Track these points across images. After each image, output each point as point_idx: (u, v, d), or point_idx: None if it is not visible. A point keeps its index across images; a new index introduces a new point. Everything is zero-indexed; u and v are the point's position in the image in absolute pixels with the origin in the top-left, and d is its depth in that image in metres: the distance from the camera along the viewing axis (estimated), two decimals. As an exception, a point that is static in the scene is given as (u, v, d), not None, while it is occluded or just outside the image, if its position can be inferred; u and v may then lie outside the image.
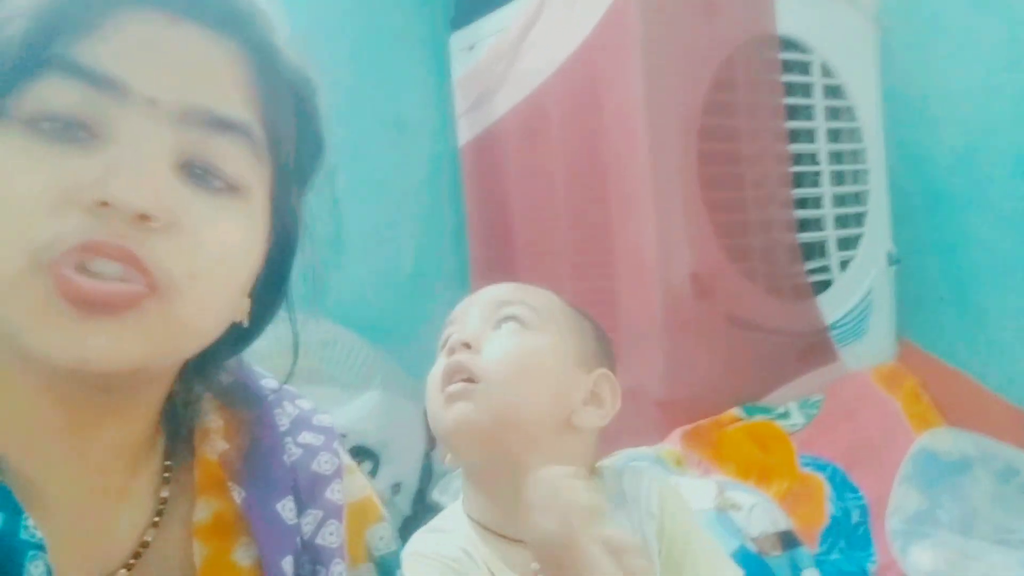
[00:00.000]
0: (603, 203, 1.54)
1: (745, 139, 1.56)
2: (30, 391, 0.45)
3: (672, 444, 1.38)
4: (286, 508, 0.55)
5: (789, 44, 1.65)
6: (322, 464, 0.58)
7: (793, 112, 1.68)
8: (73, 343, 0.42)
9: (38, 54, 0.42)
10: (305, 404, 0.62)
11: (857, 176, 1.82)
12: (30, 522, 0.44)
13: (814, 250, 1.72)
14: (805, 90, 1.70)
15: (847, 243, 1.78)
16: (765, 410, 1.55)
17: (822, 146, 1.72)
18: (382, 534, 0.62)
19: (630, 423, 1.47)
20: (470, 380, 0.76)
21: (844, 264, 1.76)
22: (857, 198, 1.81)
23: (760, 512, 1.12)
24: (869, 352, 1.80)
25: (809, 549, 1.16)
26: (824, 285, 1.71)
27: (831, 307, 1.71)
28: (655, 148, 1.46)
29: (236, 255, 0.49)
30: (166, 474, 0.55)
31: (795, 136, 1.67)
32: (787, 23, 1.62)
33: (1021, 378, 1.71)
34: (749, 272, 1.56)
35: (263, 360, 0.61)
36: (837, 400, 1.63)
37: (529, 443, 0.77)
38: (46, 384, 0.45)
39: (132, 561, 0.51)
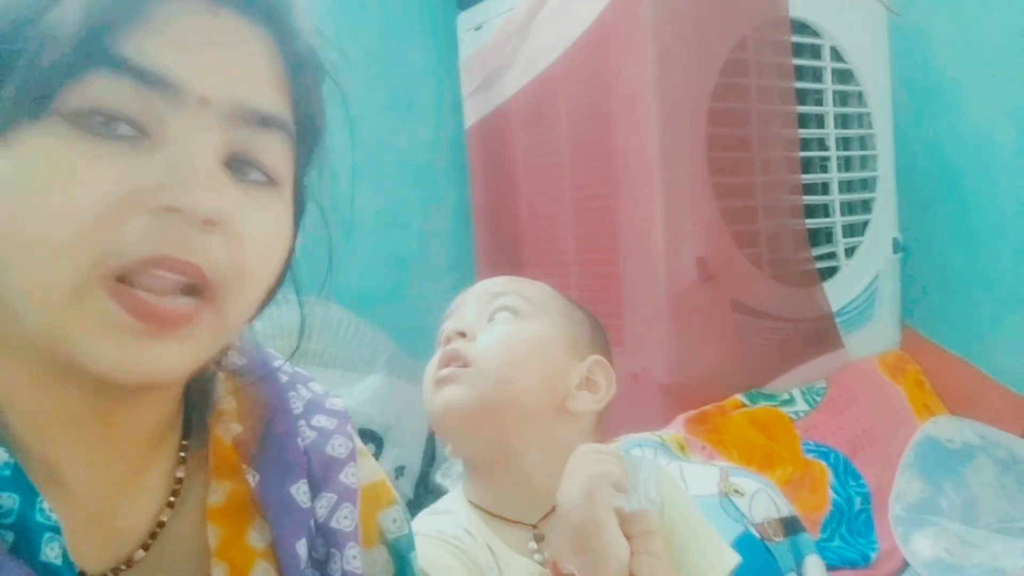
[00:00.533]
0: (610, 186, 1.54)
1: (755, 123, 1.55)
2: (56, 381, 0.45)
3: (676, 429, 1.38)
4: (300, 491, 0.55)
5: (801, 27, 1.63)
6: (336, 447, 0.58)
7: (802, 96, 1.66)
8: (135, 360, 0.42)
9: (89, 49, 0.40)
10: (318, 388, 0.62)
11: (865, 162, 1.81)
12: (45, 504, 0.44)
13: (821, 236, 1.71)
14: (816, 74, 1.68)
15: (854, 230, 1.78)
16: (769, 396, 1.54)
17: (831, 131, 1.70)
18: (395, 517, 0.62)
19: (634, 408, 1.48)
20: (463, 365, 0.79)
21: (850, 251, 1.75)
22: (865, 184, 1.80)
23: (763, 498, 1.12)
24: (874, 339, 1.79)
25: (811, 535, 1.16)
26: (830, 271, 1.71)
27: (837, 294, 1.70)
28: (664, 132, 1.45)
29: (276, 247, 0.49)
30: (182, 454, 0.55)
31: (804, 121, 1.66)
32: (799, 6, 1.60)
33: (1024, 367, 1.71)
34: (755, 258, 1.56)
35: (267, 342, 0.61)
36: (841, 387, 1.63)
37: (521, 426, 0.79)
38: (75, 377, 0.44)
39: (149, 541, 0.51)
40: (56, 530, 0.44)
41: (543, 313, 0.83)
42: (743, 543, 1.05)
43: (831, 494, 1.42)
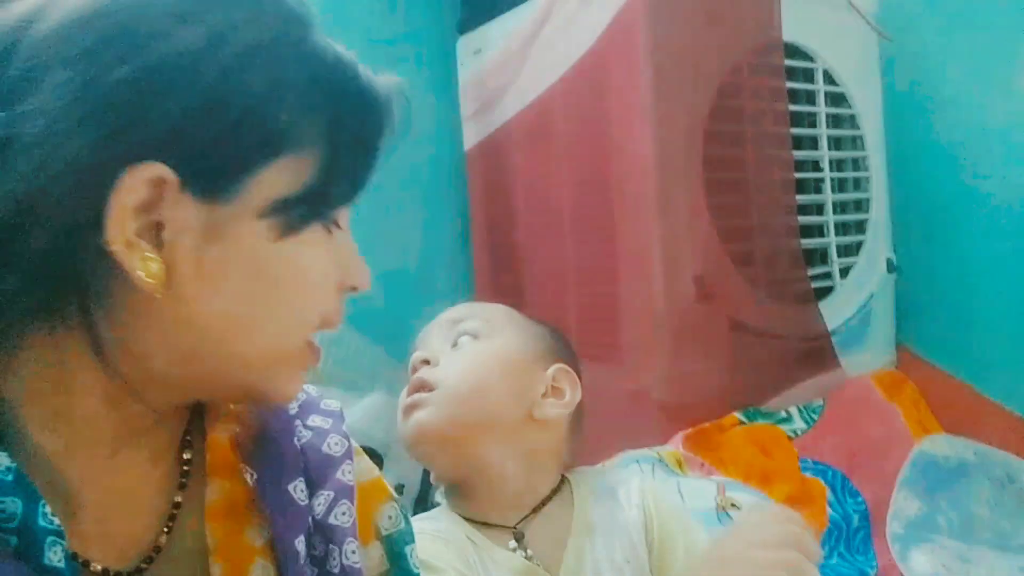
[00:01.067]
0: (608, 207, 1.56)
1: (750, 145, 1.57)
2: (112, 406, 0.49)
3: (674, 446, 1.39)
4: (297, 489, 0.56)
5: (794, 51, 1.66)
6: (332, 446, 0.60)
7: (796, 119, 1.69)
8: (298, 389, 0.57)
9: (355, 188, 0.53)
10: (312, 389, 0.64)
11: (859, 183, 1.83)
12: (47, 509, 0.45)
13: (816, 256, 1.73)
14: (809, 97, 1.71)
15: (848, 250, 1.80)
16: (767, 414, 1.55)
17: (825, 153, 1.73)
18: (390, 513, 0.63)
19: (633, 425, 1.49)
20: (428, 390, 0.83)
21: (845, 271, 1.77)
22: (859, 205, 1.83)
23: (761, 513, 1.13)
24: (869, 358, 1.81)
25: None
26: (826, 291, 1.72)
27: (832, 313, 1.72)
28: (660, 153, 1.47)
29: None
30: (186, 455, 0.56)
31: (798, 143, 1.68)
32: (792, 30, 1.63)
33: (1019, 386, 1.72)
34: (752, 277, 1.57)
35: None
36: (838, 405, 1.64)
37: (492, 439, 0.82)
38: (135, 403, 0.50)
39: (169, 524, 0.53)
40: (59, 534, 0.45)
41: (502, 331, 0.87)
42: (741, 557, 1.06)
43: (829, 511, 1.42)
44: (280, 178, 0.48)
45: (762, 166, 1.59)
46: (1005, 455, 1.64)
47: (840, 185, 1.80)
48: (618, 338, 1.54)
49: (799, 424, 1.56)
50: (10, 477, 0.44)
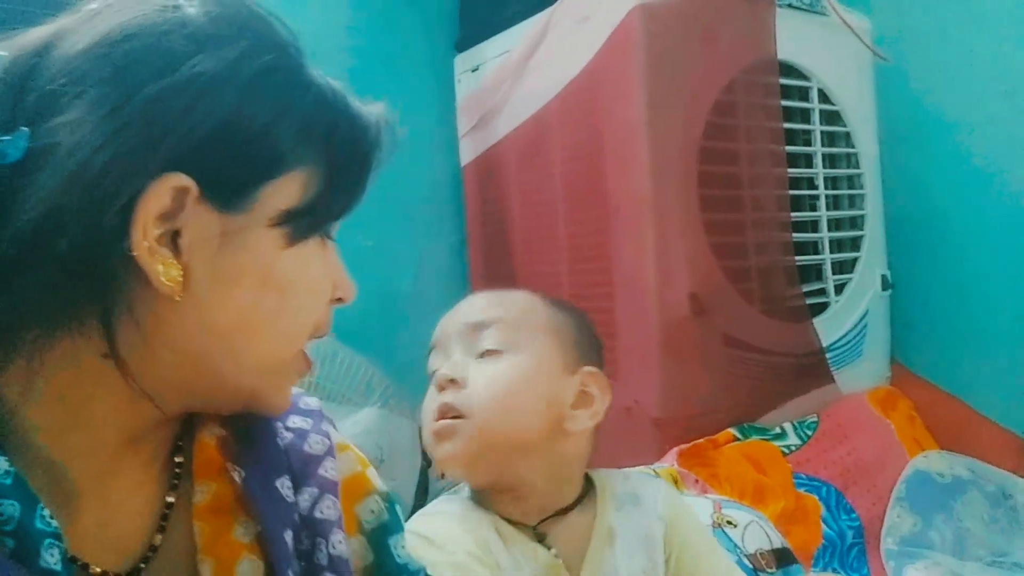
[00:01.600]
0: (603, 223, 1.56)
1: (744, 162, 1.58)
2: (118, 411, 0.51)
3: (669, 462, 1.39)
4: (284, 486, 0.58)
5: (789, 70, 1.68)
6: (313, 445, 0.62)
7: (792, 136, 1.70)
8: (289, 399, 0.59)
9: (352, 202, 0.57)
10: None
11: (853, 201, 1.84)
12: (46, 511, 0.46)
13: (811, 273, 1.74)
14: (804, 115, 1.73)
15: (843, 267, 1.81)
16: (761, 430, 1.56)
17: (820, 170, 1.74)
18: (372, 507, 0.64)
19: (628, 441, 1.49)
20: (458, 416, 0.79)
21: (840, 287, 1.78)
22: (853, 222, 1.84)
23: (756, 529, 1.13)
24: (864, 375, 1.81)
25: (804, 567, 1.17)
26: (820, 308, 1.73)
27: (827, 330, 1.73)
28: (655, 170, 1.48)
29: None
30: (178, 459, 0.58)
31: (793, 160, 1.69)
32: (787, 49, 1.65)
33: (1013, 402, 1.73)
34: (747, 294, 1.58)
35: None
36: (833, 421, 1.65)
37: (522, 458, 0.81)
38: (140, 407, 0.52)
39: (159, 535, 0.54)
40: (56, 536, 0.46)
41: (530, 339, 0.83)
42: (736, 573, 1.06)
43: (823, 528, 1.42)
44: (287, 191, 0.53)
45: (757, 183, 1.60)
46: (999, 471, 1.65)
47: (835, 202, 1.82)
48: (613, 354, 1.54)
49: (793, 440, 1.57)
50: (9, 480, 0.45)
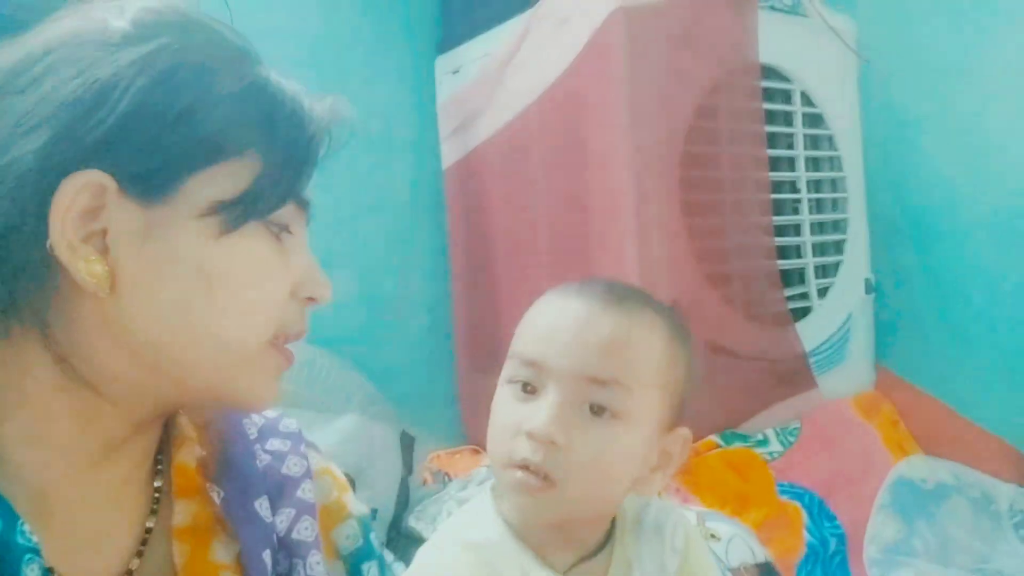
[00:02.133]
0: (584, 228, 1.55)
1: (727, 166, 1.57)
2: (83, 417, 0.51)
3: (651, 470, 1.38)
4: (262, 507, 0.59)
5: (771, 73, 1.67)
6: (291, 467, 0.63)
7: (774, 140, 1.69)
8: (274, 394, 0.58)
9: (289, 192, 0.56)
10: (269, 413, 0.67)
11: (836, 204, 1.84)
12: (26, 527, 0.47)
13: (793, 277, 1.73)
14: (786, 118, 1.72)
15: (826, 271, 1.80)
16: (743, 437, 1.55)
17: (802, 174, 1.73)
18: (348, 532, 0.66)
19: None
20: (546, 478, 0.68)
21: (823, 291, 1.77)
22: (836, 226, 1.83)
23: (739, 543, 1.12)
24: (847, 379, 1.81)
25: (786, 578, 1.16)
26: (803, 312, 1.72)
27: (810, 334, 1.72)
28: (637, 174, 1.47)
29: None
30: (157, 484, 0.58)
31: (776, 164, 1.68)
32: (769, 52, 1.64)
33: (997, 406, 1.72)
34: (729, 298, 1.57)
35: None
36: (815, 427, 1.64)
37: (594, 523, 0.73)
38: (95, 424, 0.52)
39: (142, 548, 0.55)
40: (35, 551, 0.47)
41: (642, 400, 0.70)
42: (717, 586, 1.05)
43: (806, 536, 1.41)
44: (216, 181, 0.52)
45: (739, 187, 1.59)
46: (983, 476, 1.65)
47: (818, 206, 1.81)
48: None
49: (776, 447, 1.56)
50: None
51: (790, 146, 1.73)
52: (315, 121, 0.58)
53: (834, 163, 1.82)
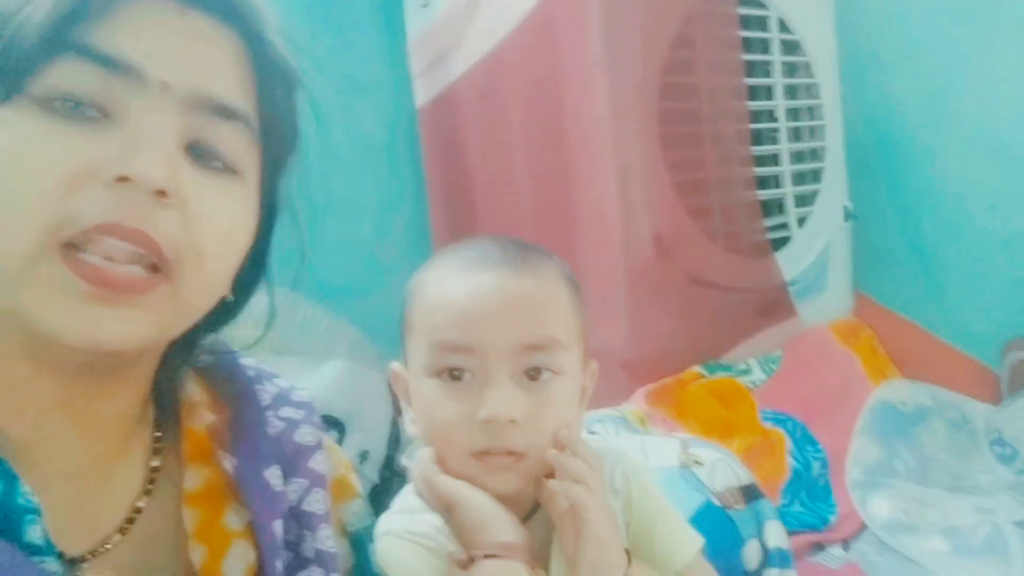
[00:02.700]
0: (564, 164, 1.53)
1: (705, 97, 1.56)
2: (29, 367, 0.47)
3: (636, 404, 1.40)
4: (274, 476, 0.57)
5: (747, -1, 1.64)
6: (304, 436, 0.61)
7: (751, 69, 1.67)
8: (88, 324, 0.44)
9: (57, 38, 0.43)
10: (283, 383, 0.65)
11: (814, 132, 1.83)
12: (26, 488, 0.45)
13: (772, 207, 1.73)
14: (763, 46, 1.69)
15: (804, 199, 1.80)
16: (726, 367, 1.57)
17: (780, 103, 1.72)
18: (355, 510, 0.66)
19: (596, 383, 1.49)
20: (513, 454, 0.68)
21: (802, 220, 1.77)
22: (814, 154, 1.82)
23: (723, 467, 1.13)
24: (827, 307, 1.83)
25: (771, 501, 1.18)
26: (782, 242, 1.73)
27: (789, 263, 1.73)
28: (615, 108, 1.45)
29: (235, 234, 0.51)
30: (156, 444, 0.57)
31: (753, 93, 1.67)
32: (744, -22, 1.61)
33: (973, 329, 1.76)
34: (709, 231, 1.57)
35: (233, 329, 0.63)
36: (796, 355, 1.66)
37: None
38: (46, 361, 0.47)
39: (126, 526, 0.53)
40: (37, 512, 0.46)
41: (572, 352, 0.71)
42: (705, 513, 1.07)
43: (790, 461, 1.44)
44: None
45: (717, 118, 1.57)
46: (960, 397, 1.68)
47: (795, 134, 1.80)
48: (577, 297, 1.53)
49: (758, 375, 1.58)
50: None
51: (767, 74, 1.71)
52: None
53: (811, 90, 1.80)
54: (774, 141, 1.73)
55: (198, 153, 0.49)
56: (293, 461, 0.59)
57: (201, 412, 0.58)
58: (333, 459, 0.65)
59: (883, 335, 1.82)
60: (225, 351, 0.63)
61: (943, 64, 1.73)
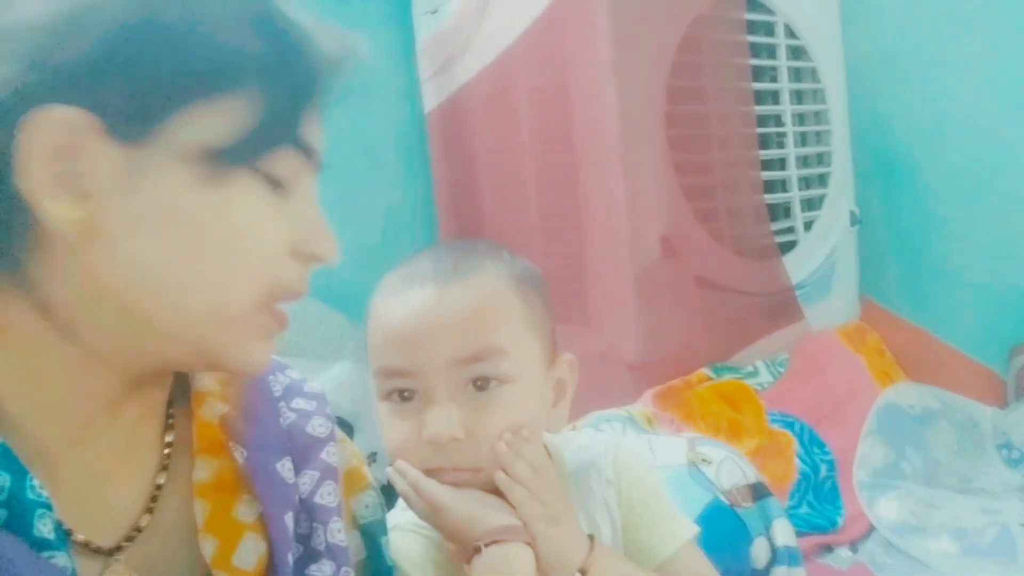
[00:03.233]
0: (572, 167, 1.54)
1: (712, 100, 1.57)
2: (75, 371, 0.48)
3: (644, 404, 1.40)
4: (285, 468, 0.57)
5: (754, 4, 1.65)
6: (316, 427, 0.60)
7: (758, 73, 1.68)
8: (264, 358, 0.53)
9: (287, 134, 0.50)
10: (294, 374, 0.64)
11: (820, 137, 1.84)
12: (36, 482, 0.45)
13: (779, 211, 1.74)
14: (770, 51, 1.70)
15: (811, 204, 1.80)
16: (734, 369, 1.57)
17: (787, 107, 1.73)
18: (367, 502, 0.64)
19: (603, 386, 1.49)
20: (468, 469, 0.68)
21: (808, 224, 1.78)
22: (820, 159, 1.83)
23: (730, 465, 1.14)
24: (833, 311, 1.83)
25: (779, 500, 1.18)
26: (790, 245, 1.74)
27: (796, 267, 1.73)
28: (623, 111, 1.46)
29: None
30: (168, 439, 0.56)
31: (760, 98, 1.68)
32: (752, -17, 1.62)
33: (979, 334, 1.76)
34: (717, 233, 1.58)
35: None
36: (803, 358, 1.66)
37: None
38: (97, 369, 0.49)
39: (151, 505, 0.53)
40: (47, 506, 0.45)
41: (524, 354, 0.69)
42: (713, 510, 1.07)
43: (797, 463, 1.44)
44: (206, 121, 0.47)
45: (725, 122, 1.58)
46: (967, 400, 1.68)
47: (802, 139, 1.81)
48: (585, 299, 1.54)
49: (765, 377, 1.58)
50: None
51: (774, 79, 1.72)
52: (323, 56, 0.52)
53: (818, 95, 1.81)
54: (781, 146, 1.74)
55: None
56: (305, 453, 0.59)
57: (213, 402, 0.58)
58: (345, 451, 0.64)
59: (889, 339, 1.82)
60: None
61: (950, 68, 1.74)
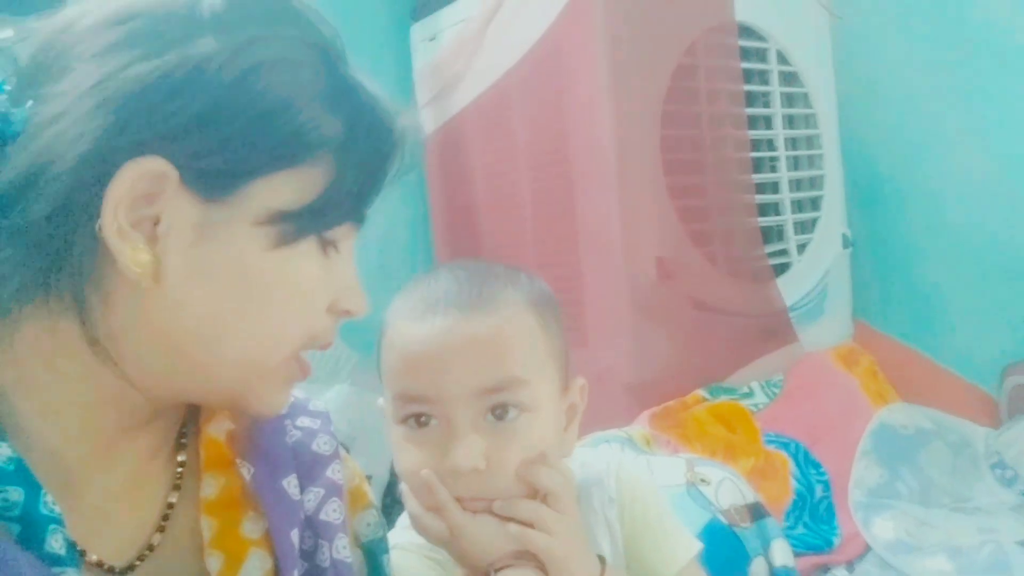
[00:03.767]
0: (568, 191, 1.56)
1: (706, 125, 1.59)
2: (107, 399, 0.50)
3: (641, 425, 1.41)
4: (291, 484, 0.58)
5: (747, 31, 1.68)
6: (321, 445, 0.61)
7: (751, 99, 1.71)
8: (285, 401, 0.57)
9: (355, 209, 0.55)
10: (299, 393, 0.65)
11: (813, 161, 1.86)
12: (48, 498, 0.46)
13: (773, 234, 1.76)
14: (763, 77, 1.73)
15: (804, 227, 1.82)
16: (729, 390, 1.58)
17: (779, 132, 1.75)
18: (369, 520, 0.65)
19: (599, 407, 1.49)
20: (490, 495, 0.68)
21: (801, 247, 1.80)
22: (813, 183, 1.85)
23: (729, 485, 1.15)
24: (826, 333, 1.84)
25: (777, 520, 1.19)
26: (783, 268, 1.75)
27: (790, 289, 1.75)
28: (619, 135, 1.48)
29: None
30: (180, 458, 0.57)
31: (753, 122, 1.70)
32: (745, 11, 1.65)
33: (972, 355, 1.77)
34: (711, 256, 1.60)
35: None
36: (798, 379, 1.67)
37: None
38: (130, 398, 0.51)
39: (163, 524, 0.54)
40: (59, 522, 0.46)
41: (544, 382, 0.69)
42: (711, 530, 1.08)
43: (793, 483, 1.45)
44: (282, 189, 0.50)
45: (718, 146, 1.61)
46: (960, 421, 1.69)
47: (795, 163, 1.83)
48: (581, 321, 1.55)
49: (761, 398, 1.59)
50: (11, 467, 0.45)
51: (766, 104, 1.75)
52: (394, 132, 0.55)
53: (810, 121, 1.84)
54: (774, 169, 1.76)
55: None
56: (310, 470, 0.60)
57: (221, 420, 0.59)
58: (348, 469, 0.65)
59: (883, 361, 1.83)
60: None
61: (941, 93, 1.76)
